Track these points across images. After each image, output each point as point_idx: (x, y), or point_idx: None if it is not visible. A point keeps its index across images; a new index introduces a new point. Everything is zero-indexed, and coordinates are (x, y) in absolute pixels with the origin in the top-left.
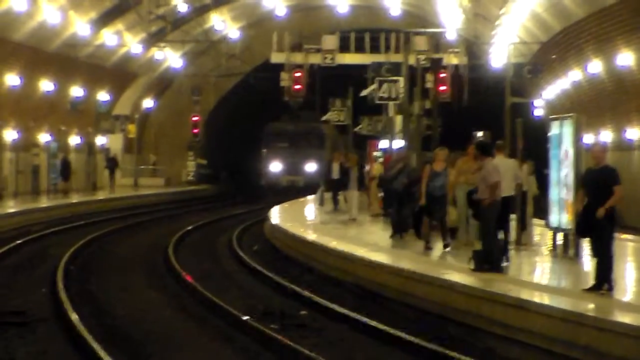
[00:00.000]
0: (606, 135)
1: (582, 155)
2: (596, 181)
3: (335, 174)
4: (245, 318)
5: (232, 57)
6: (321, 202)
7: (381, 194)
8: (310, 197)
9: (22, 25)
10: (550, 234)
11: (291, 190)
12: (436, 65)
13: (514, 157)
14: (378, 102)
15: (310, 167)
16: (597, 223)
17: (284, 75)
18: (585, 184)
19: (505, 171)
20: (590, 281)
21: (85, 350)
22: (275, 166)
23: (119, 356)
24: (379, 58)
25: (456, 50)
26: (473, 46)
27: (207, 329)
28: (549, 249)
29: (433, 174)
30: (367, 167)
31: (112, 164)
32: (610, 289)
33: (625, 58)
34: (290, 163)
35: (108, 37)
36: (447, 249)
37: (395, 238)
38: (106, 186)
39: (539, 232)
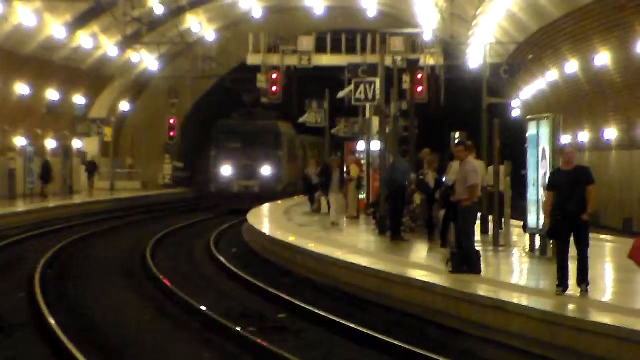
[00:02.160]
0: (584, 136)
1: (559, 156)
2: (570, 182)
3: (314, 179)
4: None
5: (208, 59)
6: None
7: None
8: (291, 200)
9: None
10: (527, 235)
11: (245, 198)
12: (413, 66)
13: (491, 158)
14: (355, 103)
15: (266, 170)
16: (578, 225)
17: (260, 77)
18: (557, 184)
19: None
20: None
21: (63, 355)
22: (226, 170)
23: None
24: (356, 59)
25: (433, 51)
26: (450, 47)
27: (185, 332)
28: (526, 249)
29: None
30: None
31: (91, 167)
32: (586, 290)
33: (602, 58)
34: (244, 166)
35: (84, 39)
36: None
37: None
38: (82, 190)
39: (517, 233)
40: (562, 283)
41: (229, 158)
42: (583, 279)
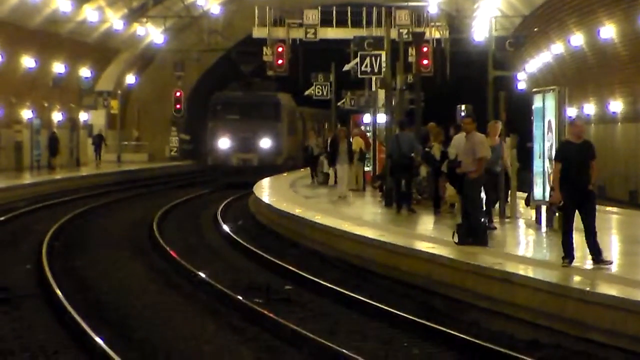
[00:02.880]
0: (589, 108)
1: (566, 128)
2: (579, 154)
3: (315, 150)
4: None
5: (214, 32)
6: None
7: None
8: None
9: (3, 2)
10: (533, 206)
11: (244, 171)
12: (418, 40)
13: None
14: (360, 76)
15: (265, 143)
16: (587, 196)
17: (266, 51)
18: (566, 156)
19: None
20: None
21: (70, 326)
22: (224, 142)
23: (104, 331)
24: (361, 32)
25: (438, 24)
26: (455, 20)
27: (191, 303)
28: (532, 221)
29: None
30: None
31: (98, 140)
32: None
33: (607, 31)
34: (242, 138)
35: (90, 13)
36: (492, 230)
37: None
38: (89, 162)
39: (523, 205)
40: (569, 254)
41: (226, 130)
42: (599, 251)
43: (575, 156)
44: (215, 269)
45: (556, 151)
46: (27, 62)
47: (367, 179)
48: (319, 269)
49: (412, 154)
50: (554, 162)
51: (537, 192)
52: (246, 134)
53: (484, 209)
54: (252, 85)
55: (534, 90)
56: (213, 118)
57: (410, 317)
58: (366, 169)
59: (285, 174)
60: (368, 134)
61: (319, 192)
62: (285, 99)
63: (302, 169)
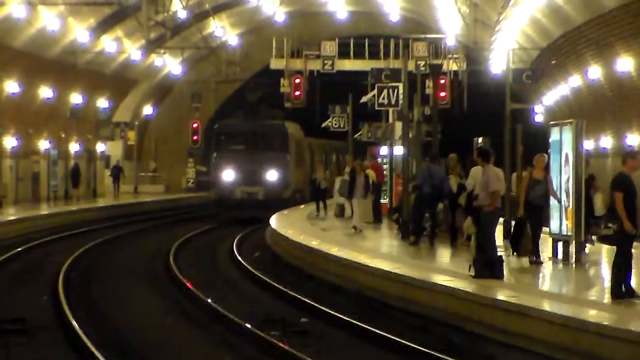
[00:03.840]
0: (606, 142)
1: (582, 161)
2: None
3: (323, 184)
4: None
5: (231, 63)
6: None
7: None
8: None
9: (21, 32)
10: (550, 240)
11: (249, 206)
12: (436, 72)
13: (514, 164)
14: (378, 108)
15: (272, 175)
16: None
17: (283, 82)
18: (630, 190)
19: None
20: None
21: (87, 358)
22: (228, 174)
23: None
24: (379, 64)
25: (455, 56)
26: (472, 52)
27: (208, 335)
28: (549, 255)
29: (533, 182)
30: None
31: (116, 171)
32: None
33: (624, 64)
34: (247, 171)
35: (107, 43)
36: (539, 265)
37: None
38: (107, 193)
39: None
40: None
41: (230, 161)
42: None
43: (634, 189)
44: (231, 301)
45: (620, 182)
46: (45, 92)
47: (384, 211)
48: (336, 301)
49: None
50: (614, 193)
51: (554, 225)
52: (251, 165)
53: (533, 243)
54: (258, 114)
55: (551, 123)
56: (216, 148)
57: (427, 350)
58: (382, 201)
59: (302, 206)
60: (384, 166)
61: (336, 224)
62: (292, 128)
63: (302, 206)
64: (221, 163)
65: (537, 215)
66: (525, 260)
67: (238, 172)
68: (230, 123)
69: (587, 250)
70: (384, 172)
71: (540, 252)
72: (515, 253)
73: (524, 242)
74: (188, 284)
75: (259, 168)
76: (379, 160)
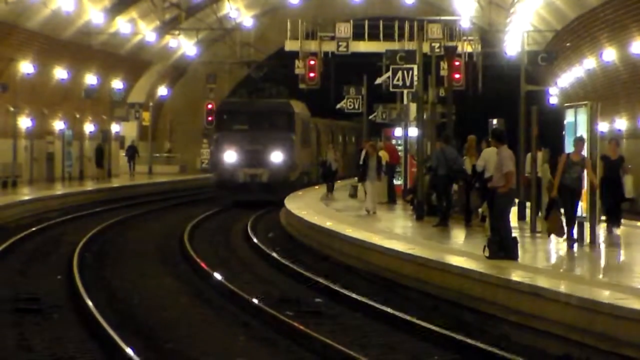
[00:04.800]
0: (621, 123)
1: (597, 143)
2: None
3: (334, 165)
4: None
5: (246, 45)
6: (354, 193)
7: None
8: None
9: (36, 13)
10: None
11: (253, 189)
12: (450, 53)
13: (529, 145)
14: (392, 89)
15: (277, 156)
16: None
17: (298, 64)
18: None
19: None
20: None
21: (101, 337)
22: (230, 156)
23: (134, 343)
24: (393, 46)
25: (470, 38)
26: (487, 34)
27: (222, 315)
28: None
29: (570, 163)
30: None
31: (132, 151)
32: None
33: (639, 46)
34: (250, 152)
35: (122, 25)
36: (573, 248)
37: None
38: (121, 173)
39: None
40: None
41: (233, 142)
42: None
43: None
44: (246, 281)
45: None
46: (60, 73)
47: (397, 192)
48: (350, 282)
49: (458, 167)
50: None
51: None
52: (255, 146)
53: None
54: (263, 92)
55: (566, 105)
56: (218, 128)
57: (441, 330)
58: (396, 182)
59: (316, 187)
60: (398, 147)
61: (350, 205)
62: (298, 107)
63: (317, 187)
64: (223, 143)
65: (571, 198)
66: (540, 240)
67: (241, 153)
68: (233, 101)
69: (618, 232)
70: (399, 154)
71: (573, 235)
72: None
73: (551, 222)
74: (202, 264)
75: (263, 149)
76: (393, 141)
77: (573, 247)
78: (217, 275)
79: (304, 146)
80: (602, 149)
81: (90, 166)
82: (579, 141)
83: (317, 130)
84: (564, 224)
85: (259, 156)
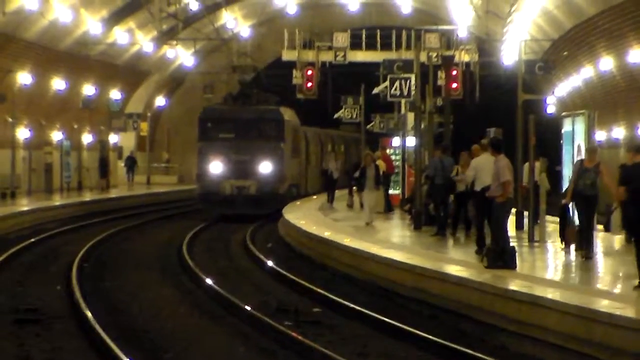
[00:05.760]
0: (619, 132)
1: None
2: None
3: (335, 174)
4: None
5: (243, 55)
6: (350, 204)
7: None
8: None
9: (34, 24)
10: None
11: (239, 202)
12: (448, 63)
13: (526, 155)
14: (390, 99)
15: (266, 167)
16: None
17: (296, 73)
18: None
19: (489, 169)
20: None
21: (100, 348)
22: (215, 167)
23: (134, 353)
24: (391, 55)
25: (467, 47)
26: (484, 43)
27: (221, 326)
28: (561, 245)
29: (583, 170)
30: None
31: (130, 162)
32: None
33: (636, 55)
34: (237, 162)
35: (120, 35)
36: (589, 259)
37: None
38: (119, 184)
39: (552, 228)
40: None
41: (218, 152)
42: None
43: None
44: (245, 291)
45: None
46: (57, 84)
47: (394, 202)
48: (348, 291)
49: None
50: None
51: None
52: (242, 156)
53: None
54: (250, 98)
55: (564, 114)
56: (202, 137)
57: (439, 340)
58: (393, 192)
59: (314, 197)
60: (393, 157)
61: (348, 215)
62: (288, 114)
63: (312, 197)
64: (207, 153)
65: (586, 206)
66: (538, 249)
67: (227, 164)
68: (218, 108)
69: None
70: (394, 163)
71: (591, 245)
72: (562, 243)
73: (568, 233)
74: (201, 275)
75: (251, 159)
76: (389, 151)
77: (590, 259)
78: (216, 286)
79: (293, 156)
80: (623, 157)
81: (89, 177)
82: (591, 149)
83: (306, 139)
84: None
85: (247, 167)
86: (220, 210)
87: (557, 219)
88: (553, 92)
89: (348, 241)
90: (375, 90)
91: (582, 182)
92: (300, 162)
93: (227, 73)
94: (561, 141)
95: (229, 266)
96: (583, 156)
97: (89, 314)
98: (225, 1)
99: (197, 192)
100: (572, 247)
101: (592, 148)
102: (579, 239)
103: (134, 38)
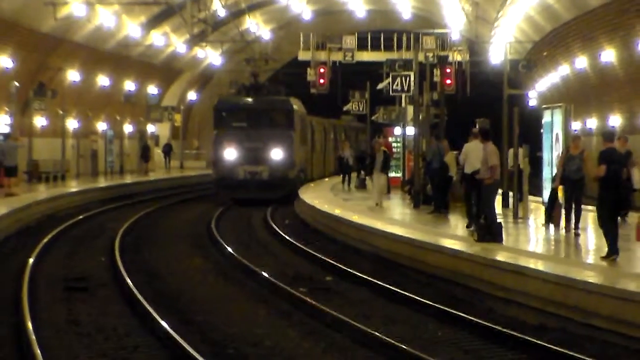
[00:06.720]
0: (592, 123)
1: (570, 139)
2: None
3: (351, 160)
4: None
5: (264, 55)
6: (358, 185)
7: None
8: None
9: (82, 28)
10: (543, 208)
11: (252, 186)
12: (442, 62)
13: (511, 142)
14: (392, 94)
15: (276, 154)
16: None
17: (310, 71)
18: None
19: (477, 154)
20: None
21: (139, 311)
22: (230, 153)
23: (170, 317)
24: (393, 55)
25: (460, 48)
26: (474, 45)
27: (244, 291)
28: (542, 222)
29: (569, 157)
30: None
31: (167, 149)
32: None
33: (608, 55)
34: (250, 149)
35: (156, 37)
36: (577, 236)
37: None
38: (156, 168)
39: (534, 207)
40: (616, 250)
41: (232, 139)
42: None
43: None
44: (265, 262)
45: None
46: (102, 80)
47: (392, 184)
48: (356, 262)
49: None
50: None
51: (546, 194)
52: (254, 143)
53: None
54: (262, 89)
55: (544, 106)
56: (217, 126)
57: (435, 304)
58: (394, 175)
59: (326, 180)
60: (394, 144)
61: (356, 195)
62: (297, 104)
63: (322, 179)
64: (222, 141)
65: (573, 188)
66: (522, 225)
67: (240, 151)
68: (232, 99)
69: (627, 220)
70: (394, 150)
71: (579, 223)
72: (549, 223)
73: (555, 213)
74: (227, 247)
75: (262, 146)
76: (390, 139)
77: (578, 235)
78: (239, 257)
79: (302, 143)
80: (596, 144)
81: (129, 161)
82: (576, 137)
83: (312, 128)
84: (562, 213)
85: (259, 153)
86: (234, 195)
87: (540, 199)
88: (534, 87)
89: (355, 218)
90: (379, 86)
91: (568, 167)
92: (306, 150)
93: (249, 71)
94: (541, 130)
95: (251, 240)
96: (561, 143)
97: (130, 282)
98: (248, 8)
99: (213, 177)
100: (559, 224)
101: (576, 136)
102: (567, 217)
103: (169, 40)
